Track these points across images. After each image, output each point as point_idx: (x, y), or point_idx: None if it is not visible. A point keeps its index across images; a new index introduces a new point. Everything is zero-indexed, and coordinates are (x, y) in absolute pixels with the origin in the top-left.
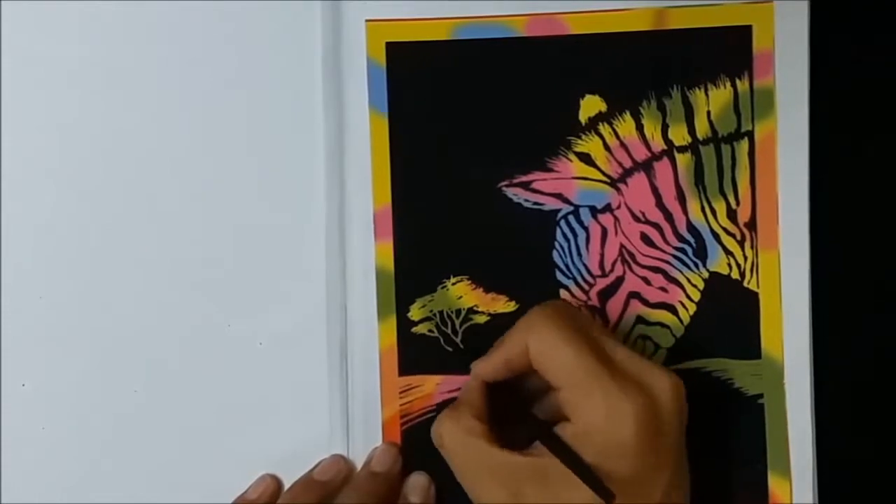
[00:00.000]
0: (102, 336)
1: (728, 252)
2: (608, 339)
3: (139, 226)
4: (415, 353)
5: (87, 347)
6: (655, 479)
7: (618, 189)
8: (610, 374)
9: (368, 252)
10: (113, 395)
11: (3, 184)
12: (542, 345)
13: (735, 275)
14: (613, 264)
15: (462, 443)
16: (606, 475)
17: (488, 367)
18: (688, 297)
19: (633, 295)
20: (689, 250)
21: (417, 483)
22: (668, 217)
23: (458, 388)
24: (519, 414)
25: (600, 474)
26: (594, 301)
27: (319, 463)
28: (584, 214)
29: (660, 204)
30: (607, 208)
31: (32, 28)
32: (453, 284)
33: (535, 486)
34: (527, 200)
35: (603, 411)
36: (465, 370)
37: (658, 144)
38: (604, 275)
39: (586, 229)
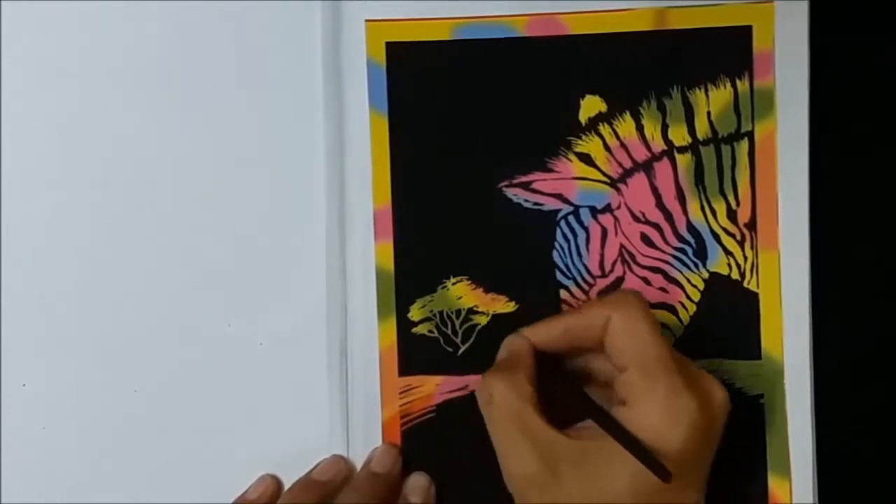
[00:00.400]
0: (102, 336)
1: (728, 252)
2: (671, 343)
3: (139, 226)
4: (415, 354)
5: (87, 347)
6: (688, 484)
7: (618, 189)
8: (679, 368)
9: (368, 252)
10: (113, 396)
11: (3, 183)
12: (628, 320)
13: (735, 275)
14: (613, 265)
15: (512, 404)
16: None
17: (546, 332)
18: (688, 297)
19: None
20: (689, 251)
21: (418, 483)
22: (668, 217)
23: (459, 389)
24: (569, 390)
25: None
26: None
27: (319, 463)
28: (584, 215)
29: (660, 204)
30: (607, 208)
31: (32, 28)
32: (453, 284)
33: (574, 467)
34: (527, 201)
35: (664, 402)
36: (466, 371)
37: (658, 145)
38: (604, 275)
39: (586, 229)
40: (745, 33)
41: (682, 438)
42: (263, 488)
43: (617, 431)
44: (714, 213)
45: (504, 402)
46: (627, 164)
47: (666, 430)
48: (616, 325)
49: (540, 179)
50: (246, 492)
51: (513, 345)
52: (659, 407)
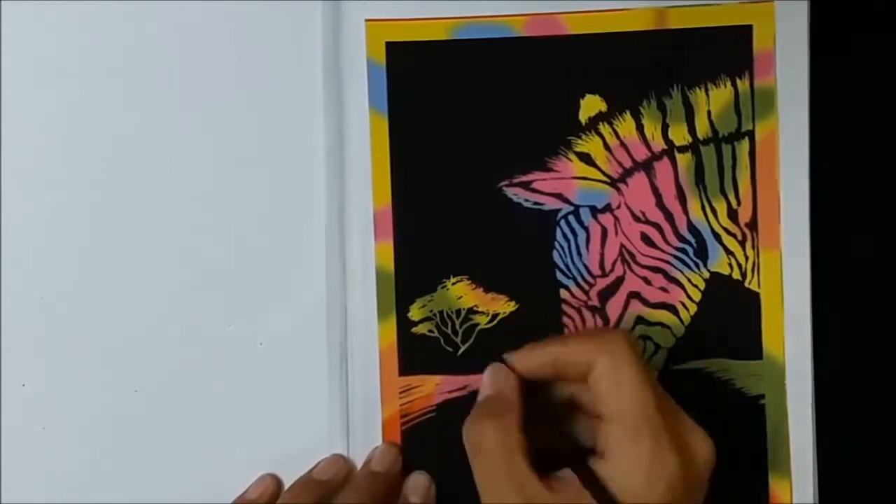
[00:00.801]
0: (103, 336)
1: (729, 252)
2: (660, 388)
3: (139, 225)
4: (415, 354)
5: (87, 347)
6: None
7: (618, 189)
8: (663, 424)
9: (368, 252)
10: (113, 396)
11: (3, 184)
12: (613, 370)
13: (736, 275)
14: (614, 264)
15: (501, 453)
16: None
17: (531, 361)
18: (688, 297)
19: (634, 295)
20: (690, 250)
21: (418, 483)
22: (669, 217)
23: (459, 388)
24: (551, 436)
25: None
26: (594, 301)
27: (319, 462)
28: (585, 214)
29: (660, 204)
30: (607, 208)
31: (32, 28)
32: (453, 284)
33: None
34: (527, 200)
35: (646, 462)
36: (466, 371)
37: (658, 144)
38: (604, 275)
39: (586, 229)
40: (745, 33)
41: (658, 497)
42: (263, 488)
43: (596, 490)
44: (715, 212)
45: (494, 452)
46: (628, 163)
47: (645, 489)
48: (601, 371)
49: (540, 179)
50: (246, 491)
51: (499, 381)
52: (639, 466)
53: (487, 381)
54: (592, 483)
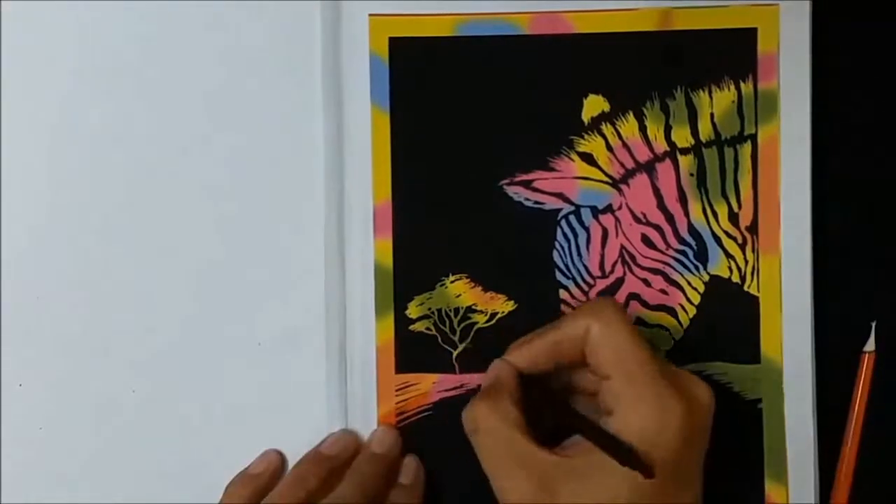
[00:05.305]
0: (100, 336)
1: (729, 255)
2: (651, 346)
3: (136, 225)
4: (412, 351)
5: (84, 348)
6: (684, 487)
7: (619, 190)
8: (662, 372)
9: (367, 248)
10: (111, 396)
11: (2, 183)
12: (606, 330)
13: (735, 278)
14: (614, 265)
15: (499, 431)
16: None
17: (528, 353)
18: (688, 299)
19: (633, 296)
20: (690, 253)
21: (408, 465)
22: (670, 219)
23: (455, 388)
24: (553, 405)
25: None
26: None
27: (327, 438)
28: (585, 214)
29: (661, 205)
30: (608, 209)
31: (32, 28)
32: (452, 282)
33: (569, 486)
34: (528, 199)
35: (654, 407)
36: (463, 370)
37: (661, 145)
38: (604, 276)
39: (587, 229)
40: (749, 35)
41: (671, 441)
42: (267, 463)
43: (599, 438)
44: (716, 215)
45: (491, 430)
46: (629, 164)
47: (654, 434)
48: (596, 334)
49: (541, 178)
50: (249, 466)
51: (496, 369)
52: (646, 413)
53: (487, 375)
54: (597, 434)
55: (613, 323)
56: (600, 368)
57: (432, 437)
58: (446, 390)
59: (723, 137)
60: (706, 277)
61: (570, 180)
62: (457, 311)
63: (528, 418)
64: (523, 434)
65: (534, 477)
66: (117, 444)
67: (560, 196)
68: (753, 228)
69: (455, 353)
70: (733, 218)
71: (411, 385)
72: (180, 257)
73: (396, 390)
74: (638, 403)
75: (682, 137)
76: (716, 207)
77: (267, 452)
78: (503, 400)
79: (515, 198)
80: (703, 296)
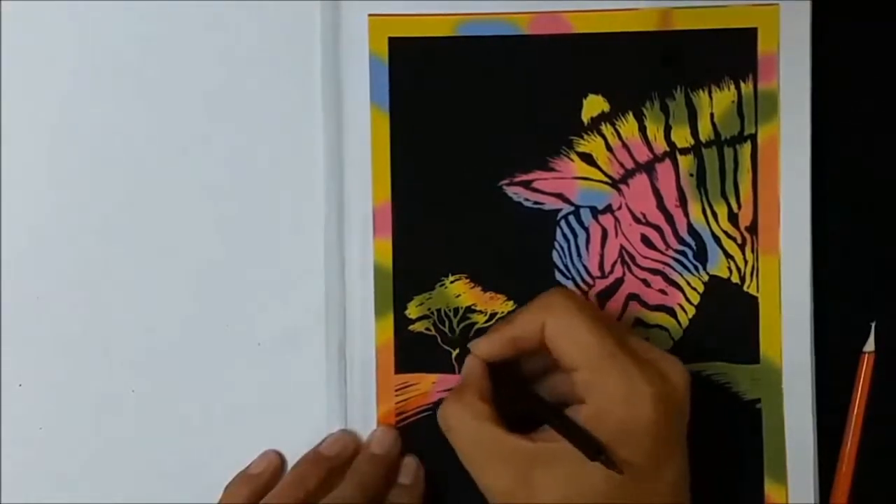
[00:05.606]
0: (100, 336)
1: (728, 256)
2: (620, 325)
3: (136, 225)
4: (412, 352)
5: (84, 348)
6: (664, 470)
7: (619, 190)
8: (629, 357)
9: (367, 248)
10: (111, 396)
11: (2, 183)
12: (561, 323)
13: (735, 279)
14: (613, 266)
15: (469, 426)
16: (618, 461)
17: (491, 345)
18: (687, 299)
19: (633, 297)
20: (690, 253)
21: (407, 465)
22: (669, 219)
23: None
24: (522, 395)
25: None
26: (593, 302)
27: (326, 438)
28: (585, 215)
29: (661, 206)
30: (608, 209)
31: (32, 28)
32: (451, 283)
33: (546, 472)
34: (527, 200)
35: (622, 392)
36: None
37: (660, 146)
38: (603, 276)
39: (586, 230)
40: (750, 35)
41: (643, 424)
42: (266, 463)
43: (569, 432)
44: (715, 215)
45: (462, 427)
46: (629, 164)
47: (627, 420)
48: (551, 330)
49: (541, 178)
50: (249, 466)
51: (463, 368)
52: (619, 397)
53: (460, 375)
54: (564, 427)
55: (566, 316)
56: (564, 361)
57: (432, 437)
58: (446, 390)
59: (723, 137)
60: (705, 278)
61: (569, 180)
62: (456, 311)
63: (502, 410)
64: (495, 423)
65: (510, 466)
66: (117, 444)
67: (560, 196)
68: (753, 229)
69: (455, 354)
70: (733, 218)
71: (411, 385)
72: (180, 257)
73: (396, 390)
74: (606, 390)
75: (682, 137)
76: (715, 208)
77: (267, 452)
78: (469, 395)
79: (515, 198)
80: (702, 296)
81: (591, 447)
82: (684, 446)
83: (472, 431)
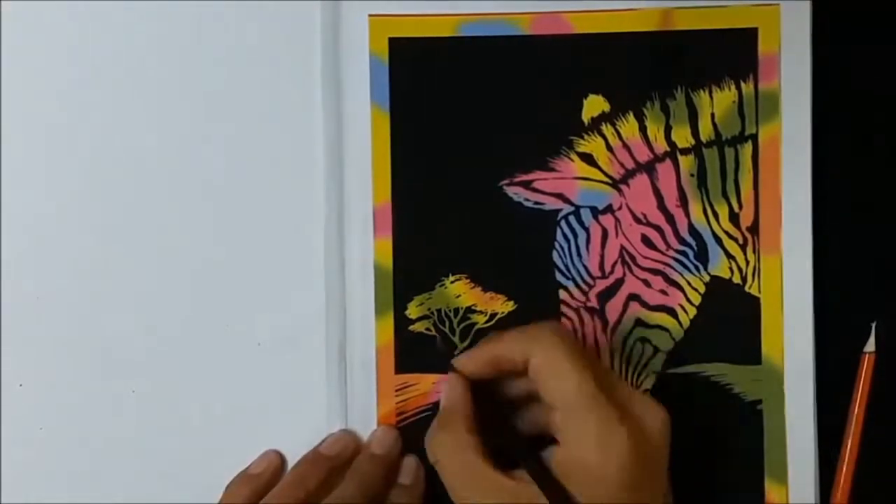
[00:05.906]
0: (100, 336)
1: (730, 256)
2: (603, 366)
3: (136, 225)
4: (412, 352)
5: (84, 348)
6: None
7: (619, 190)
8: (607, 402)
9: (367, 248)
10: (111, 396)
11: (2, 183)
12: (546, 361)
13: (736, 279)
14: (613, 266)
15: (456, 460)
16: None
17: (474, 362)
18: (688, 300)
19: (633, 297)
20: (691, 253)
21: (408, 465)
22: (670, 219)
23: None
24: (500, 431)
25: None
26: (593, 302)
27: (326, 438)
28: (585, 215)
29: (661, 206)
30: (608, 209)
31: (32, 28)
32: (452, 283)
33: None
34: (527, 200)
35: (595, 438)
36: None
37: (661, 146)
38: (604, 276)
39: (587, 230)
40: (750, 35)
41: (620, 472)
42: (267, 463)
43: (537, 476)
44: (716, 215)
45: (448, 462)
46: (630, 164)
47: (602, 467)
48: (537, 366)
49: (541, 178)
50: (249, 466)
51: (449, 392)
52: (591, 444)
53: (443, 395)
54: (545, 479)
55: (554, 355)
56: (545, 398)
57: None
58: None
59: (723, 137)
60: (707, 278)
61: (569, 181)
62: (456, 311)
63: (483, 436)
64: (481, 459)
65: (493, 501)
66: (117, 444)
67: (560, 196)
68: (754, 229)
69: (455, 354)
70: (734, 218)
71: (411, 385)
72: (180, 257)
73: (396, 390)
74: (580, 437)
75: (683, 137)
76: (716, 208)
77: (267, 452)
78: (458, 427)
79: (515, 198)
80: (703, 296)
81: (560, 498)
82: (662, 486)
83: (457, 466)
